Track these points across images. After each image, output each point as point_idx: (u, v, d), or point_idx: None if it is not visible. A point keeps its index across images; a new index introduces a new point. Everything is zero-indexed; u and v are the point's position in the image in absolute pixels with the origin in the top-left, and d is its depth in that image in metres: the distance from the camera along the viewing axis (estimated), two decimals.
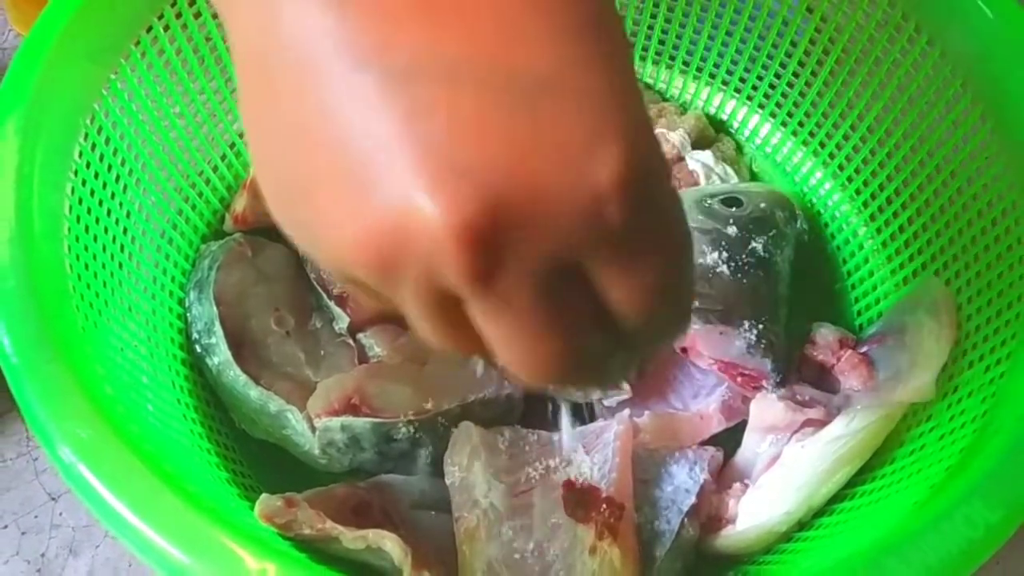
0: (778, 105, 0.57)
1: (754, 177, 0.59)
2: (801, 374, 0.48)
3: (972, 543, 0.33)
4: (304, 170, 0.21)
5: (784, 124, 0.57)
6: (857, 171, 0.54)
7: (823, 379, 0.48)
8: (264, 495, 0.39)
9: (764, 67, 0.56)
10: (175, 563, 0.31)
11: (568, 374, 0.23)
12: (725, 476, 0.46)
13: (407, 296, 0.21)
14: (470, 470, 0.42)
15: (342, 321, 0.48)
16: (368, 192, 0.20)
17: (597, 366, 0.24)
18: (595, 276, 0.21)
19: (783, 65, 0.55)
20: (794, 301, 0.49)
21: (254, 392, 0.45)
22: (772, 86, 0.56)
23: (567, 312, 0.22)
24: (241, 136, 0.52)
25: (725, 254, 0.47)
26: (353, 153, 0.20)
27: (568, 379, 0.24)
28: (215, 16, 0.47)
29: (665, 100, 0.60)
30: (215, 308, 0.46)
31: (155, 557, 0.32)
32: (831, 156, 0.55)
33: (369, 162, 0.20)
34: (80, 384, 0.35)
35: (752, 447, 0.46)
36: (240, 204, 0.52)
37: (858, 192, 0.54)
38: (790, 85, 0.55)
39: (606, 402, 0.47)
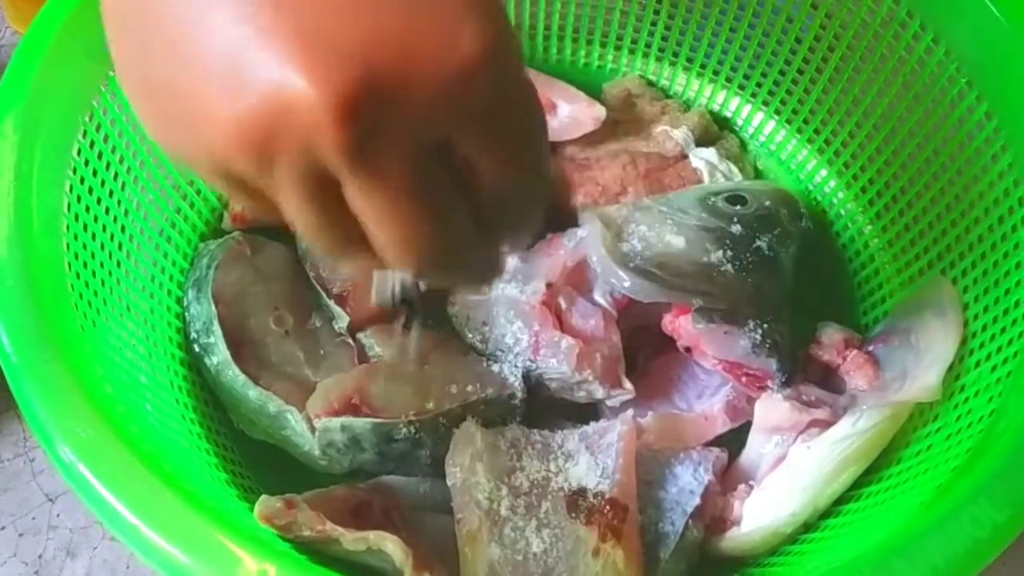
0: (782, 102, 0.57)
1: (758, 175, 0.58)
2: (806, 374, 0.48)
3: (979, 543, 0.33)
4: (179, 78, 0.22)
5: (788, 121, 0.57)
6: (862, 169, 0.53)
7: (829, 379, 0.48)
8: (264, 496, 0.39)
9: (768, 64, 0.56)
10: (175, 563, 0.31)
11: (438, 258, 0.24)
12: (730, 477, 0.46)
13: (285, 183, 0.22)
14: (472, 471, 0.42)
15: (342, 320, 0.48)
16: (242, 80, 0.20)
17: (465, 253, 0.25)
18: (464, 152, 0.23)
19: (787, 62, 0.55)
20: (799, 300, 0.49)
21: (253, 392, 0.44)
22: (776, 83, 0.56)
23: (438, 193, 0.23)
24: None
25: (729, 252, 0.47)
26: (225, 47, 0.21)
27: (438, 264, 0.24)
28: None
29: (669, 97, 0.59)
30: (214, 307, 0.46)
31: (155, 557, 0.32)
32: (836, 154, 0.55)
33: (242, 53, 0.20)
34: (79, 383, 0.35)
35: (757, 448, 0.45)
36: (239, 202, 0.52)
37: (863, 190, 0.54)
38: (794, 82, 0.55)
39: (609, 403, 0.47)
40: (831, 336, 0.48)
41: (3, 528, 0.50)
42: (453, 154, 0.23)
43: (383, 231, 0.23)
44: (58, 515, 0.50)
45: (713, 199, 0.50)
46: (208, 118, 0.21)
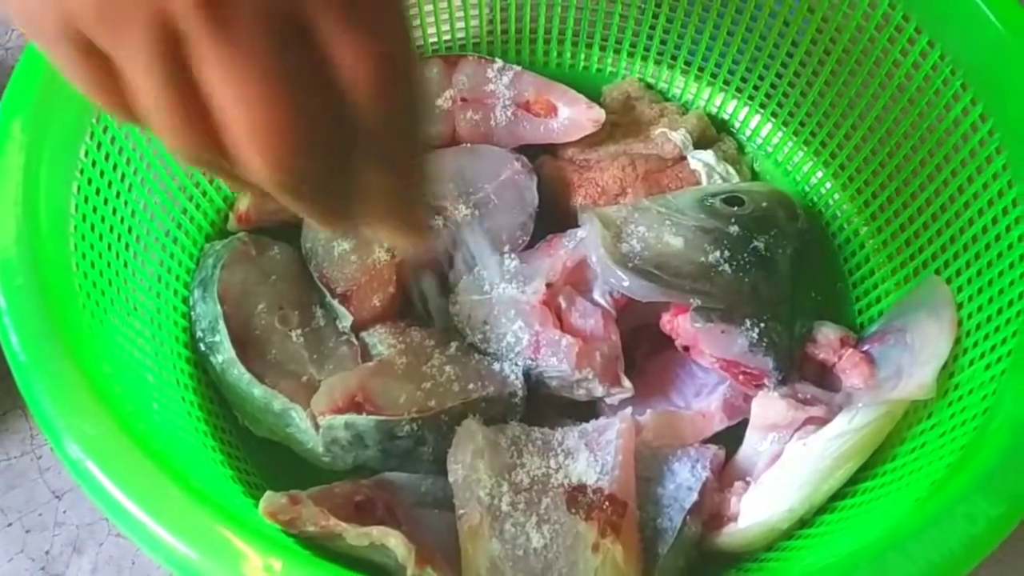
0: (779, 105, 0.57)
1: (755, 177, 0.59)
2: (803, 372, 0.48)
3: (973, 538, 0.33)
4: None
5: (785, 124, 0.58)
6: (858, 170, 0.54)
7: (825, 377, 0.48)
8: (268, 492, 0.39)
9: (765, 67, 0.56)
10: (182, 558, 0.32)
11: (303, 154, 0.22)
12: (727, 474, 0.46)
13: (134, 46, 0.21)
14: (473, 468, 0.42)
15: (345, 320, 0.49)
16: None
17: (336, 159, 0.23)
18: (325, 35, 0.22)
19: (784, 65, 0.55)
20: (795, 300, 0.49)
21: (258, 390, 0.45)
22: (773, 86, 0.57)
23: (298, 78, 0.22)
24: None
25: (727, 253, 0.47)
26: None
27: (305, 165, 0.23)
28: None
29: (667, 100, 0.60)
30: (219, 306, 0.46)
31: (162, 552, 0.32)
32: (832, 156, 0.56)
33: None
34: (87, 381, 0.36)
35: (754, 445, 0.46)
36: (244, 203, 0.52)
37: (859, 191, 0.54)
38: (791, 85, 0.56)
39: (609, 401, 0.48)
40: (827, 335, 0.48)
41: (10, 524, 0.50)
42: (312, 39, 0.22)
43: (236, 111, 0.22)
44: (64, 512, 0.51)
45: (711, 200, 0.50)
46: None
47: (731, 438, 0.47)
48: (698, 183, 0.55)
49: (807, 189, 0.58)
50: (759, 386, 0.46)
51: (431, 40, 0.59)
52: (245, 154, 0.22)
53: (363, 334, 0.49)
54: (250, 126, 0.22)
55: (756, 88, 0.58)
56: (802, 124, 0.57)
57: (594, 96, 0.57)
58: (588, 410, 0.48)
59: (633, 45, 0.59)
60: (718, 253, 0.47)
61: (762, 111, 0.58)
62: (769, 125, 0.59)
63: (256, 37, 0.21)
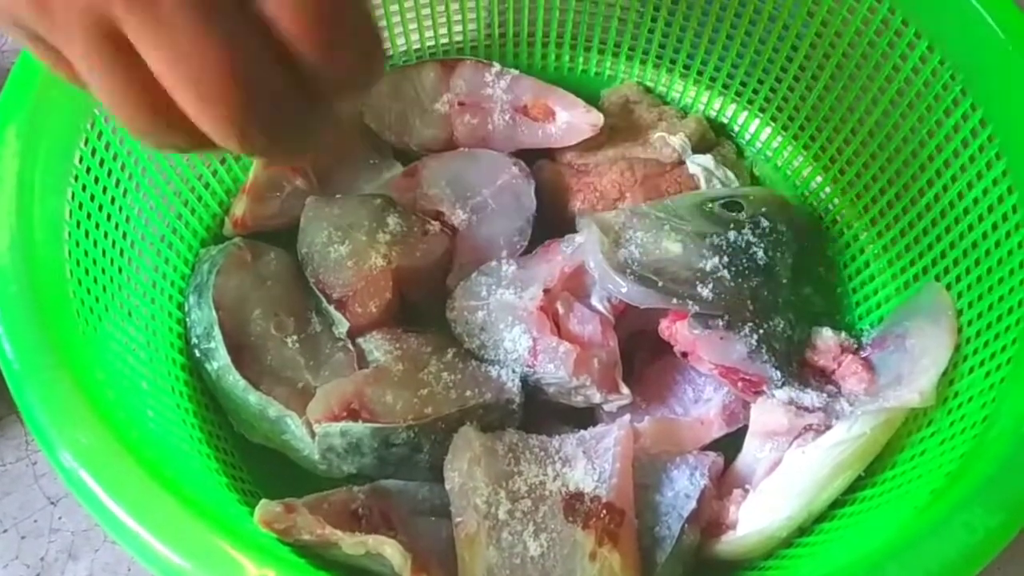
0: (779, 109, 0.57)
1: (755, 181, 0.59)
2: (802, 379, 0.48)
3: (972, 548, 0.33)
4: None
5: (784, 128, 0.57)
6: (857, 175, 0.54)
7: (824, 384, 0.48)
8: (263, 501, 0.39)
9: (764, 71, 0.56)
10: (175, 568, 0.32)
11: (244, 102, 0.22)
12: (726, 481, 0.46)
13: (69, 34, 0.21)
14: (470, 476, 0.42)
15: (341, 326, 0.48)
16: None
17: (280, 104, 0.23)
18: None
19: (783, 69, 0.55)
20: (795, 305, 0.49)
21: (253, 397, 0.45)
22: (772, 90, 0.56)
23: (226, 19, 0.21)
24: None
25: (726, 258, 0.47)
26: None
27: (250, 115, 0.22)
28: None
29: (666, 104, 0.60)
30: (214, 312, 0.46)
31: (155, 562, 0.32)
32: (831, 160, 0.55)
33: None
34: (81, 389, 0.35)
35: (753, 452, 0.46)
36: (239, 208, 0.52)
37: (858, 196, 0.54)
38: (790, 89, 0.55)
39: (607, 407, 0.47)
40: (826, 341, 0.48)
41: (5, 531, 0.50)
42: None
43: (175, 71, 0.21)
44: (60, 518, 0.51)
45: (710, 205, 0.50)
46: None
47: (730, 445, 0.47)
48: (697, 188, 0.54)
49: (806, 194, 0.58)
50: (758, 393, 0.46)
51: (428, 44, 0.59)
52: (193, 111, 0.22)
53: (359, 340, 0.49)
54: (191, 84, 0.21)
55: (755, 92, 0.57)
56: (801, 128, 0.56)
57: (593, 100, 0.57)
58: (586, 417, 0.48)
59: (632, 49, 0.59)
60: (717, 259, 0.47)
61: (761, 115, 0.58)
62: (768, 129, 0.58)
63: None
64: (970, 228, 0.46)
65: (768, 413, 0.45)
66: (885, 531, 0.38)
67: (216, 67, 0.21)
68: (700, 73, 0.59)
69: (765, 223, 0.50)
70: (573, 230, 0.51)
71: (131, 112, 0.23)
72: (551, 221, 0.54)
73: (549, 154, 0.57)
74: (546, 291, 0.47)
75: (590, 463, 0.43)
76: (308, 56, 0.22)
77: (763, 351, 0.46)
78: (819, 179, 0.57)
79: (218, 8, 0.21)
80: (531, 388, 0.47)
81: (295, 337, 0.48)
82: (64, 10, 0.21)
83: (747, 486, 0.45)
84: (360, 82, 0.24)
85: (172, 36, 0.21)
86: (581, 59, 0.61)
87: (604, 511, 0.41)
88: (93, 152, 0.43)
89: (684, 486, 0.44)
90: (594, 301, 0.49)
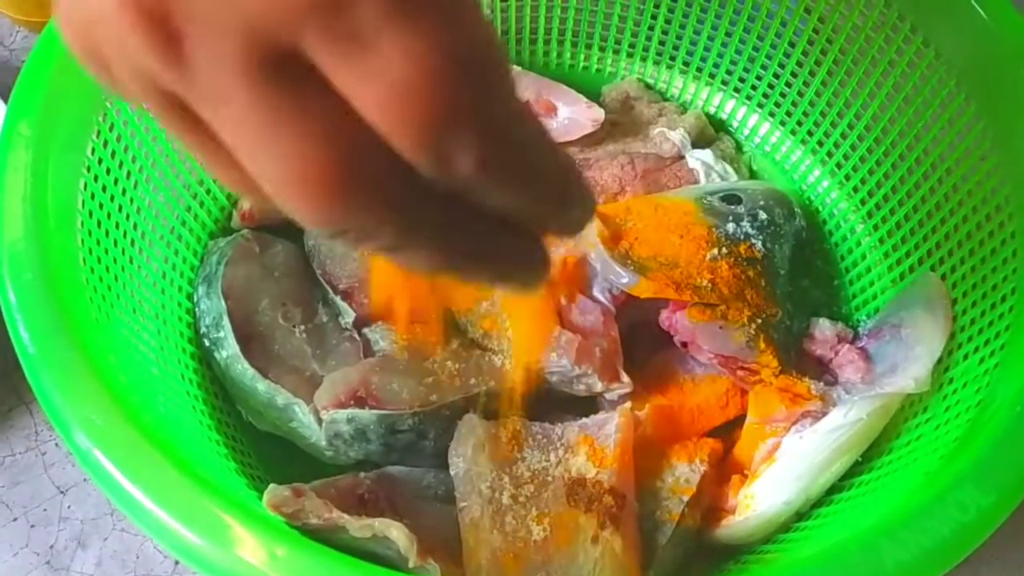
0: (777, 104, 0.58)
1: (753, 175, 0.59)
2: (800, 367, 0.49)
3: (965, 526, 0.34)
4: None
5: (783, 123, 0.58)
6: (854, 169, 0.55)
7: (821, 373, 0.49)
8: (272, 485, 0.40)
9: (763, 67, 0.57)
10: (186, 544, 0.32)
11: (348, 187, 0.18)
12: (725, 467, 0.47)
13: (138, 93, 0.19)
14: (474, 461, 0.43)
15: (348, 316, 0.49)
16: None
17: (384, 181, 0.18)
18: (321, 67, 0.17)
19: (781, 65, 0.56)
20: (793, 296, 0.50)
21: (262, 385, 0.46)
22: (771, 86, 0.57)
23: (307, 105, 0.18)
24: None
25: (725, 250, 0.48)
26: None
27: (355, 199, 0.18)
28: None
29: (665, 100, 0.61)
30: (223, 303, 0.47)
31: (167, 538, 0.32)
32: (829, 154, 0.56)
33: None
34: (95, 372, 0.36)
35: (751, 439, 0.46)
36: (247, 201, 0.53)
37: (855, 189, 0.55)
38: (788, 85, 0.56)
39: (608, 396, 0.48)
40: (823, 331, 0.49)
41: (15, 520, 0.51)
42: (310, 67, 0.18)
43: (255, 160, 0.18)
44: (69, 507, 0.51)
45: (709, 199, 0.51)
46: (59, 23, 0.20)
47: (729, 432, 0.48)
48: (696, 182, 0.55)
49: (804, 187, 0.59)
50: (757, 381, 0.47)
51: None
52: (283, 207, 0.19)
53: (365, 330, 0.49)
54: (268, 180, 0.19)
55: (754, 88, 0.58)
56: (799, 123, 0.57)
57: (593, 96, 0.58)
58: (588, 405, 0.49)
59: (632, 45, 0.60)
60: (716, 250, 0.48)
61: (760, 110, 0.59)
62: (767, 124, 0.59)
63: (234, 79, 0.17)
64: (964, 219, 0.47)
65: (766, 400, 0.46)
66: (880, 512, 0.38)
67: (288, 160, 0.18)
68: (699, 69, 0.60)
69: (763, 216, 0.51)
70: None
71: (202, 157, 0.20)
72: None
73: None
74: (549, 282, 0.48)
75: (592, 449, 0.44)
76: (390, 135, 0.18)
77: (761, 340, 0.47)
78: (816, 173, 0.58)
79: (288, 83, 0.18)
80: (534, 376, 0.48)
81: (302, 327, 0.49)
82: (124, 74, 0.19)
83: (746, 472, 0.46)
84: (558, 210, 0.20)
85: (237, 116, 0.18)
86: (582, 56, 0.62)
87: (606, 496, 0.42)
88: (105, 144, 0.44)
89: (684, 472, 0.44)
90: (596, 292, 0.49)
